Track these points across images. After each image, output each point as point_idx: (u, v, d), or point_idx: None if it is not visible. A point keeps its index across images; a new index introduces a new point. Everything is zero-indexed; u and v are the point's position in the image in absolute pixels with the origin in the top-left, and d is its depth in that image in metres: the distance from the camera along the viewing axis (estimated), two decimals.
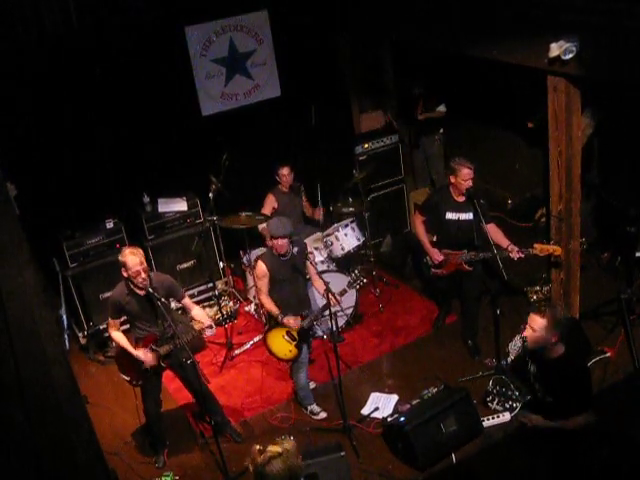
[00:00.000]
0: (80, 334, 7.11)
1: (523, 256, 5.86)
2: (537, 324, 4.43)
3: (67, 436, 3.11)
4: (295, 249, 5.65)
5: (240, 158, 7.25)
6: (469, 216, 6.03)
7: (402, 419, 5.36)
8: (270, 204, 7.24)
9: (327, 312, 5.43)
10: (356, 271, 5.73)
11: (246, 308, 7.50)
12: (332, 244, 7.09)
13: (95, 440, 3.39)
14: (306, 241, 6.96)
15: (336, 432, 5.67)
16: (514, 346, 5.99)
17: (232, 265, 7.93)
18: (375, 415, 5.86)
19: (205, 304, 7.50)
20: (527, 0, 5.37)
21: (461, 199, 6.05)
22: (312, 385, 6.15)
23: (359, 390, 6.19)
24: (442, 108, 8.36)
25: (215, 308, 7.24)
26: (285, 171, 7.18)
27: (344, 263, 7.21)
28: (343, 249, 7.09)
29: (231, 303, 7.40)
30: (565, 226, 6.05)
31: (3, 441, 2.95)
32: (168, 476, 5.44)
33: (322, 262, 6.84)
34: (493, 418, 5.56)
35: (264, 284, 5.65)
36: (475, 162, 5.97)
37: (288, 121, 7.94)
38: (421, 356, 6.54)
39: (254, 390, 6.37)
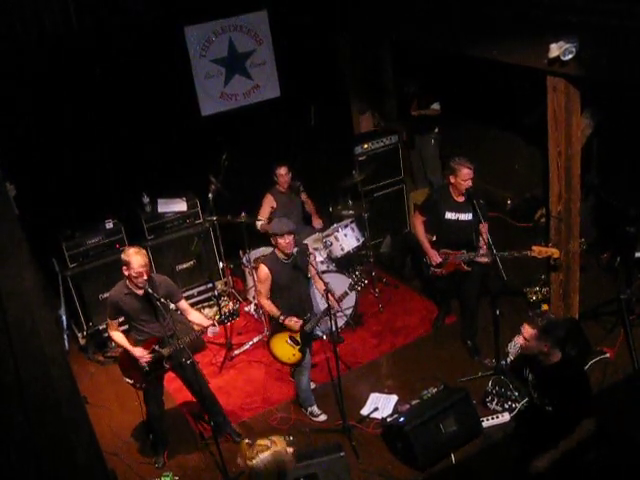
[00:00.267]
0: (80, 334, 7.11)
1: (489, 261, 5.88)
2: (528, 334, 4.46)
3: (67, 436, 3.11)
4: (295, 249, 5.65)
5: (240, 158, 7.24)
6: (468, 216, 6.02)
7: (402, 419, 5.36)
8: (268, 204, 7.24)
9: (329, 311, 5.43)
10: (357, 273, 5.72)
11: (246, 308, 7.49)
12: (332, 244, 7.09)
13: (95, 440, 3.38)
14: (306, 241, 6.98)
15: (336, 432, 5.67)
16: (513, 346, 6.00)
17: (232, 265, 7.93)
18: (375, 415, 5.85)
19: (205, 304, 7.52)
20: (527, 0, 5.36)
21: (461, 199, 6.04)
22: (312, 386, 6.15)
23: (358, 390, 6.19)
24: (436, 106, 8.36)
25: (215, 308, 7.26)
26: (282, 171, 7.17)
27: (344, 263, 7.21)
28: (343, 249, 7.09)
29: (231, 303, 7.40)
30: (564, 226, 6.05)
31: (2, 441, 2.95)
32: (167, 476, 5.44)
33: (322, 262, 6.84)
34: (492, 418, 5.57)
35: (265, 287, 5.60)
36: (475, 162, 5.96)
37: (288, 121, 7.95)
38: (420, 356, 6.54)
39: (254, 390, 6.37)
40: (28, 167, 6.71)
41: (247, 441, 3.75)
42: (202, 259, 7.40)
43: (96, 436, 3.43)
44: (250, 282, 7.29)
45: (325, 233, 7.18)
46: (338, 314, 6.51)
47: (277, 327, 5.72)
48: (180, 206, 7.40)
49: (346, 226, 7.19)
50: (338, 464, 5.02)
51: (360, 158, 8.11)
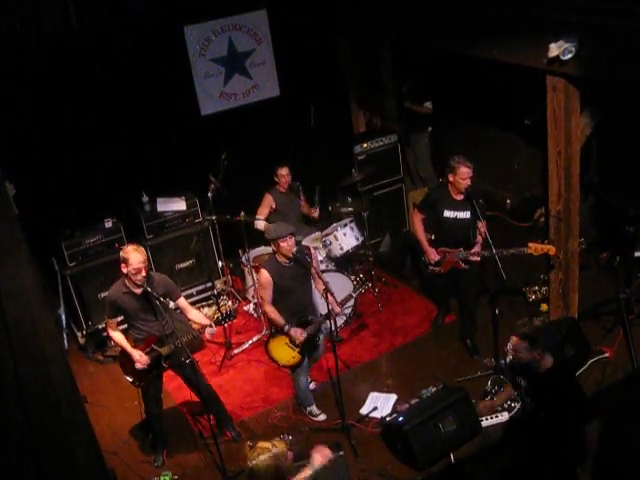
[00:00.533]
0: (79, 333, 7.12)
1: (479, 259, 5.95)
2: (518, 346, 4.47)
3: (66, 436, 3.11)
4: (294, 249, 5.64)
5: (239, 158, 7.25)
6: (467, 215, 6.02)
7: (401, 419, 5.36)
8: (268, 204, 7.24)
9: (330, 315, 5.42)
10: (360, 275, 5.68)
11: (245, 308, 7.50)
12: (331, 244, 7.09)
13: (94, 440, 3.38)
14: (305, 241, 6.98)
15: (335, 432, 5.67)
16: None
17: (231, 264, 7.94)
18: (374, 415, 5.85)
19: (204, 303, 7.52)
20: (527, 0, 5.37)
21: (459, 197, 6.04)
22: (312, 385, 6.15)
23: (358, 390, 6.19)
24: (428, 105, 8.39)
25: (214, 307, 7.25)
26: (284, 171, 7.17)
27: (343, 263, 7.21)
28: (342, 249, 7.09)
29: (230, 303, 7.41)
30: (564, 226, 6.05)
31: (2, 441, 2.95)
32: (167, 475, 5.44)
33: (321, 262, 6.84)
34: (492, 418, 5.56)
35: (268, 293, 5.49)
36: (474, 162, 5.96)
37: (287, 121, 7.95)
38: (420, 356, 6.54)
39: (253, 390, 6.37)
40: (28, 167, 6.71)
41: (249, 443, 3.81)
42: (201, 258, 7.39)
43: (96, 435, 3.43)
44: (249, 281, 7.29)
45: (324, 232, 7.18)
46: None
47: (276, 330, 5.69)
48: (179, 205, 7.40)
49: (345, 225, 7.19)
50: (337, 463, 5.01)
51: (359, 157, 8.11)
